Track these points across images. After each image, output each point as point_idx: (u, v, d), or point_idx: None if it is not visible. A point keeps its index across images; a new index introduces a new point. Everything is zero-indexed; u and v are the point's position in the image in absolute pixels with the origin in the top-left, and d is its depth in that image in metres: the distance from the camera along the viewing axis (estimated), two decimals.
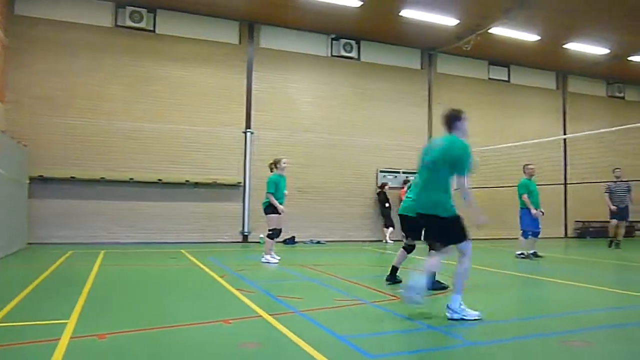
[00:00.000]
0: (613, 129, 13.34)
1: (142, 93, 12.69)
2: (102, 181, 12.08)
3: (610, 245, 12.23)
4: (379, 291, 6.01)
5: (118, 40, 12.54)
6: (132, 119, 12.54)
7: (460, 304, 4.43)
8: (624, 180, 12.04)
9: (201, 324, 4.29)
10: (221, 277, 6.96)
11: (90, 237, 11.98)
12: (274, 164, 8.90)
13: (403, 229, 6.72)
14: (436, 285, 6.05)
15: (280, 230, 8.86)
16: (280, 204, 8.65)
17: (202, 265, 8.23)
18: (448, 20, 13.05)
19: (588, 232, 17.33)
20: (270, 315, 4.56)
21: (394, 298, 5.56)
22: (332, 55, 14.78)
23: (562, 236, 17.57)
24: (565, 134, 17.60)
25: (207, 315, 4.60)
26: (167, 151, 12.81)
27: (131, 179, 12.28)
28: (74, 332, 3.90)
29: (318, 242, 13.69)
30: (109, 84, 12.40)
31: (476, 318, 4.38)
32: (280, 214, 8.70)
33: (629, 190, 12.00)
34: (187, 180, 12.80)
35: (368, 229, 14.84)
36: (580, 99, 18.54)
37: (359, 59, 15.10)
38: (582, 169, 15.19)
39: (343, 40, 14.69)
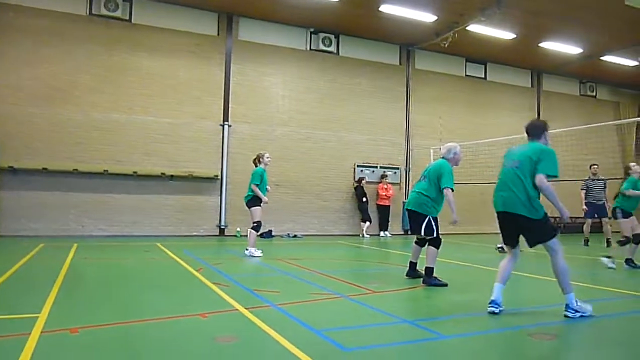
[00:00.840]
0: (585, 126, 13.67)
1: (117, 84, 12.44)
2: (75, 173, 11.83)
3: (586, 244, 12.32)
4: (356, 285, 6.05)
5: (93, 30, 12.25)
6: (107, 110, 12.29)
7: (577, 301, 4.48)
8: (600, 177, 12.13)
9: (177, 317, 4.26)
10: (197, 270, 6.92)
11: (62, 229, 11.75)
12: (258, 159, 9.04)
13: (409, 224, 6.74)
14: (434, 282, 6.16)
15: (261, 223, 8.98)
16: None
17: (177, 259, 8.16)
18: (426, 17, 13.13)
19: (561, 227, 17.78)
20: (246, 309, 4.55)
21: (370, 292, 5.61)
22: (310, 49, 14.74)
23: None
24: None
25: (183, 309, 4.56)
26: (142, 143, 12.62)
27: (105, 170, 12.06)
28: (45, 326, 3.83)
29: (295, 236, 13.70)
30: (82, 74, 12.11)
31: (591, 314, 4.48)
32: (261, 206, 8.82)
33: (604, 187, 12.03)
34: (162, 173, 12.63)
35: (345, 224, 14.91)
36: (554, 97, 18.92)
37: (337, 53, 15.09)
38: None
39: (322, 34, 14.66)
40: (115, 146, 12.32)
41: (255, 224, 8.82)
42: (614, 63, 16.88)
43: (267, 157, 9.05)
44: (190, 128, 13.13)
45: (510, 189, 4.61)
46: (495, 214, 4.85)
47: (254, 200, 8.81)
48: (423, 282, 6.20)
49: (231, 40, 13.60)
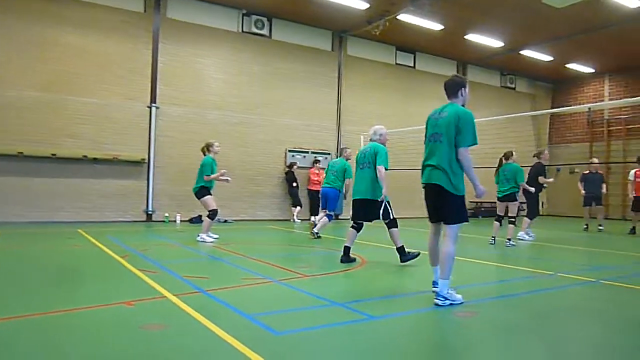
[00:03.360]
0: (505, 116, 14.48)
1: (35, 60, 11.59)
2: None
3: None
4: (287, 269, 6.09)
5: (7, 1, 11.30)
6: (23, 87, 11.43)
7: (449, 290, 4.34)
8: None
9: (100, 306, 4.10)
10: (122, 257, 6.67)
11: None
12: (207, 148, 8.94)
13: (352, 211, 6.84)
14: (410, 257, 6.54)
15: (217, 210, 8.94)
16: (211, 187, 8.85)
17: (101, 246, 7.82)
18: (359, 4, 13.25)
19: (480, 211, 18.76)
20: (175, 295, 4.46)
21: (301, 275, 5.67)
22: (242, 32, 14.46)
23: None
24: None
25: (106, 298, 4.39)
26: (62, 124, 11.89)
27: (20, 152, 11.26)
28: None
29: (225, 221, 13.53)
30: None
31: (461, 302, 4.35)
32: (212, 193, 8.86)
33: None
34: (84, 156, 11.99)
35: (276, 208, 14.91)
36: (477, 88, 19.80)
37: (270, 37, 14.92)
38: (477, 154, 16.33)
39: (254, 17, 14.41)
40: (31, 126, 11.52)
41: (210, 212, 8.78)
42: (531, 57, 17.94)
43: (217, 146, 9.02)
44: (116, 109, 12.53)
45: (437, 161, 4.46)
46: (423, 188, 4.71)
47: (203, 191, 8.78)
48: (402, 262, 6.52)
49: (159, 18, 13.05)
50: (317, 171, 15.03)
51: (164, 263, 6.36)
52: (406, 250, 6.61)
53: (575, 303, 4.86)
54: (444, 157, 4.41)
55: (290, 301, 4.55)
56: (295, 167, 14.68)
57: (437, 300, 4.33)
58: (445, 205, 4.45)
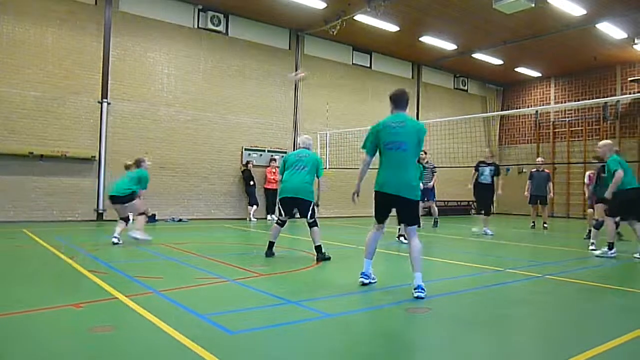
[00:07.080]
0: (457, 117, 14.88)
1: None
2: None
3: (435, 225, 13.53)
4: (242, 268, 6.05)
5: None
6: None
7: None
8: (434, 165, 13.15)
9: (46, 309, 3.94)
10: (71, 258, 6.44)
11: None
12: (137, 164, 8.50)
13: (283, 208, 7.05)
14: (325, 257, 6.83)
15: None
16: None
17: (48, 246, 7.52)
18: (316, 3, 13.28)
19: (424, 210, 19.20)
20: (126, 296, 4.35)
21: (256, 274, 5.65)
22: (198, 27, 14.22)
23: None
24: (418, 120, 19.18)
25: (53, 300, 4.23)
26: (6, 119, 11.34)
27: None
28: None
29: (180, 220, 13.29)
30: None
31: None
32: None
33: (432, 173, 12.66)
34: (30, 153, 11.48)
35: (232, 207, 14.76)
36: (431, 89, 20.29)
37: (226, 33, 14.74)
38: (431, 153, 16.71)
39: (210, 13, 14.19)
40: None
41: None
42: (483, 60, 18.49)
43: (148, 162, 8.80)
44: (63, 104, 12.06)
45: (400, 170, 4.80)
46: (377, 194, 4.96)
47: (130, 196, 8.32)
48: (318, 260, 6.73)
49: (110, 10, 12.64)
50: (274, 170, 14.98)
51: (115, 264, 6.18)
52: (323, 250, 6.88)
53: (523, 297, 5.06)
54: (410, 167, 4.88)
55: (245, 300, 4.52)
56: (250, 165, 14.58)
57: (419, 293, 4.55)
58: (412, 211, 4.87)
